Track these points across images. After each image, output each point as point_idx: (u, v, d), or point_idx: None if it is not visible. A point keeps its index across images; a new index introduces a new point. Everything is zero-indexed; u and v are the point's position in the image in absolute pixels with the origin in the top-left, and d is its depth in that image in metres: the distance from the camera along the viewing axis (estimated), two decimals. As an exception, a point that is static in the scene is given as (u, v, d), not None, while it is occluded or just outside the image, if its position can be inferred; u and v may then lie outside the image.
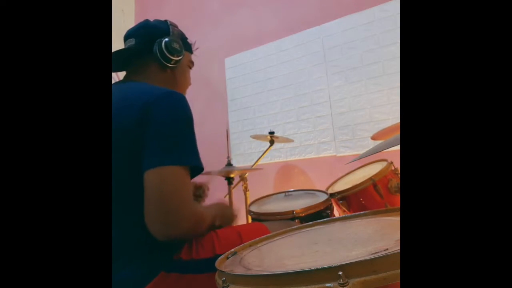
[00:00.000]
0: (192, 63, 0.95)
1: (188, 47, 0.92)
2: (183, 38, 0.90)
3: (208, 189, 1.08)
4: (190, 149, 0.67)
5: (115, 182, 0.67)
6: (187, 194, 0.64)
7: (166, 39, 0.81)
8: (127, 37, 0.85)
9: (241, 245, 0.66)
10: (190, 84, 0.96)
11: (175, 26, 0.87)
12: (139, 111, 0.67)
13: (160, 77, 0.84)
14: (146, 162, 0.64)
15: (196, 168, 0.68)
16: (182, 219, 0.63)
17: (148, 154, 0.64)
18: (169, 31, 0.84)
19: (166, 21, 0.87)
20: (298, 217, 1.08)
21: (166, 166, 0.63)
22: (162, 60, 0.81)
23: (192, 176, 0.69)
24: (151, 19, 0.90)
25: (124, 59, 0.85)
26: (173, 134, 0.66)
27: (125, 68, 0.87)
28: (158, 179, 0.62)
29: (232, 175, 1.55)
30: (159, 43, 0.80)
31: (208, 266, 0.68)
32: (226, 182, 1.56)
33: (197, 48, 0.98)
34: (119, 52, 0.81)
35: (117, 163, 0.67)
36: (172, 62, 0.83)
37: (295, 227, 0.75)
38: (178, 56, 0.83)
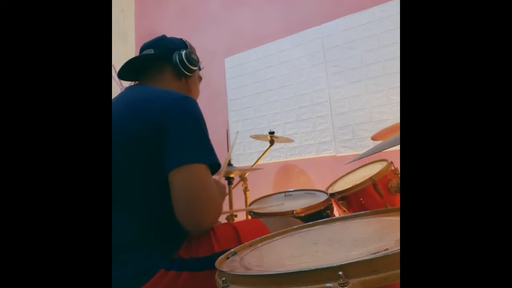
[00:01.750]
0: (201, 78, 1.03)
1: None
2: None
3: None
4: (209, 148, 0.73)
5: (119, 182, 0.69)
6: (213, 190, 0.70)
7: (185, 51, 0.89)
8: (144, 48, 0.91)
9: (241, 245, 0.66)
10: (198, 96, 1.02)
11: (189, 43, 0.96)
12: (157, 113, 0.71)
13: (175, 84, 0.90)
14: (171, 162, 0.68)
15: (215, 165, 0.73)
16: (211, 213, 0.69)
17: (171, 154, 0.68)
18: (186, 45, 0.93)
19: (181, 38, 0.96)
20: (298, 217, 1.08)
21: (192, 164, 0.67)
22: (181, 69, 0.88)
23: (212, 173, 0.74)
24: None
25: (140, 67, 0.90)
26: (193, 135, 0.71)
27: (139, 76, 0.91)
28: (185, 177, 0.67)
29: (232, 175, 1.55)
30: (179, 54, 0.88)
31: (207, 264, 0.69)
32: (226, 182, 1.56)
33: (203, 67, 1.06)
34: (135, 59, 0.87)
35: (127, 164, 0.70)
36: (189, 72, 0.90)
37: (295, 227, 0.75)
38: (195, 67, 0.91)
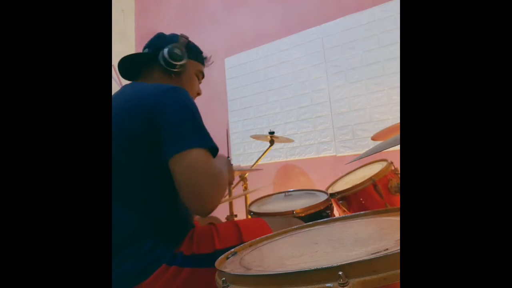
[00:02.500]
0: (202, 74, 0.99)
1: (197, 57, 0.96)
2: (193, 49, 0.95)
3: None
4: (204, 132, 0.73)
5: (120, 177, 0.70)
6: (214, 171, 0.70)
7: (169, 46, 0.87)
8: (144, 49, 0.92)
9: (241, 245, 0.66)
10: (199, 94, 1.00)
11: (185, 37, 0.93)
12: (149, 107, 0.71)
13: (164, 81, 0.88)
14: (168, 150, 0.68)
15: (213, 149, 0.73)
16: (215, 194, 0.69)
17: (168, 143, 0.68)
18: (176, 40, 0.90)
19: (177, 34, 0.94)
20: (298, 217, 1.08)
21: (189, 150, 0.67)
22: (164, 65, 0.87)
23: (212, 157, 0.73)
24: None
25: (136, 66, 0.91)
26: (185, 122, 0.71)
27: (136, 75, 0.92)
28: (185, 162, 0.66)
29: (232, 175, 1.55)
30: (163, 51, 0.86)
31: (208, 261, 0.70)
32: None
33: (212, 62, 1.03)
34: (127, 58, 0.88)
35: (126, 159, 0.71)
36: (174, 67, 0.88)
37: (295, 227, 0.75)
38: (178, 61, 0.87)
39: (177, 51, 0.87)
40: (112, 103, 0.78)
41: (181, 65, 0.88)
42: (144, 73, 0.90)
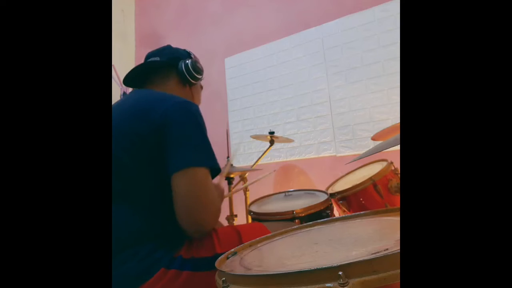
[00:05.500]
0: (201, 86, 1.07)
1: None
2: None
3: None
4: (210, 152, 0.75)
5: (123, 180, 0.70)
6: (213, 193, 0.72)
7: (191, 60, 0.94)
8: (149, 56, 0.95)
9: (241, 245, 0.67)
10: (199, 104, 1.05)
11: (193, 54, 1.01)
12: (160, 116, 0.73)
13: (179, 91, 0.93)
14: (172, 165, 0.69)
15: (215, 170, 0.75)
16: (210, 217, 0.71)
17: (173, 157, 0.70)
18: (190, 55, 0.98)
19: (184, 49, 1.00)
20: (298, 217, 1.08)
21: (192, 167, 0.69)
22: (187, 76, 0.92)
23: (212, 177, 0.75)
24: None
25: (145, 74, 0.93)
26: (195, 138, 0.73)
27: (144, 82, 0.94)
28: (186, 180, 0.68)
29: (232, 175, 1.55)
30: (185, 62, 0.93)
31: (207, 264, 0.70)
32: (226, 182, 1.56)
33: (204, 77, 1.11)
34: (142, 66, 0.90)
35: (131, 163, 0.71)
36: (196, 80, 0.95)
37: (295, 227, 0.75)
38: (200, 75, 0.96)
39: (199, 65, 0.95)
40: (120, 107, 0.80)
41: (199, 78, 0.96)
42: (156, 81, 0.92)
